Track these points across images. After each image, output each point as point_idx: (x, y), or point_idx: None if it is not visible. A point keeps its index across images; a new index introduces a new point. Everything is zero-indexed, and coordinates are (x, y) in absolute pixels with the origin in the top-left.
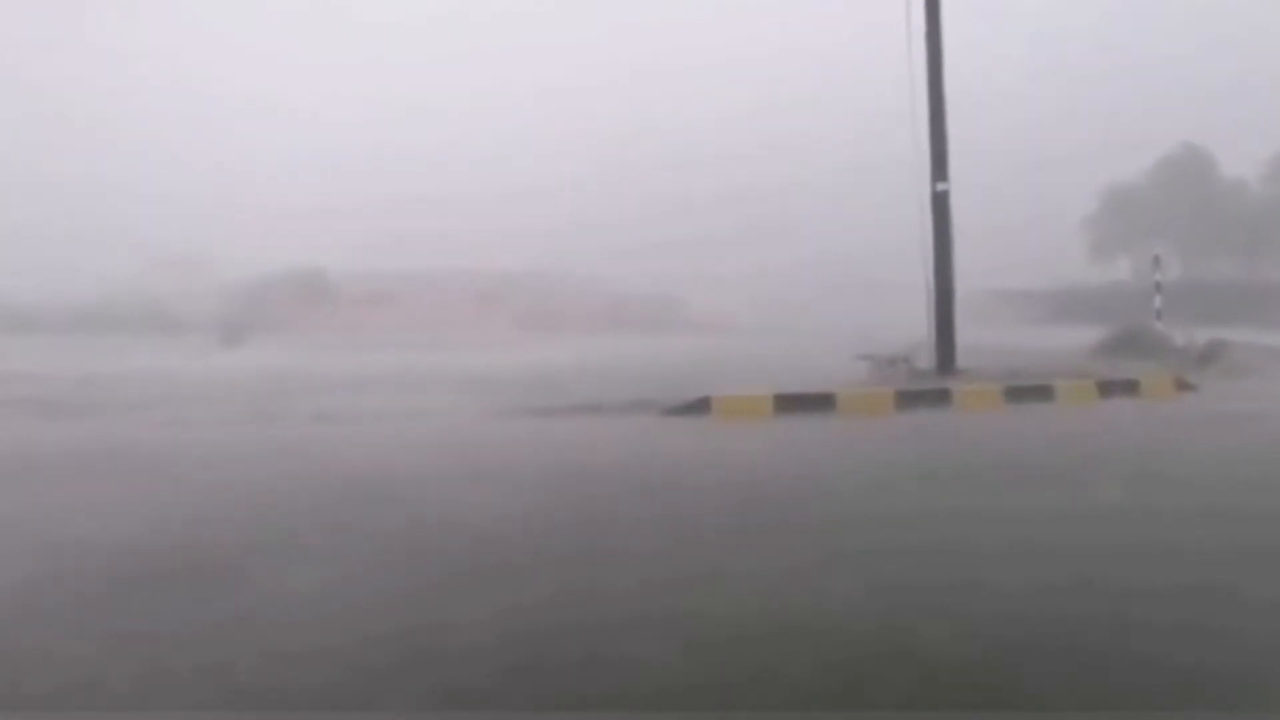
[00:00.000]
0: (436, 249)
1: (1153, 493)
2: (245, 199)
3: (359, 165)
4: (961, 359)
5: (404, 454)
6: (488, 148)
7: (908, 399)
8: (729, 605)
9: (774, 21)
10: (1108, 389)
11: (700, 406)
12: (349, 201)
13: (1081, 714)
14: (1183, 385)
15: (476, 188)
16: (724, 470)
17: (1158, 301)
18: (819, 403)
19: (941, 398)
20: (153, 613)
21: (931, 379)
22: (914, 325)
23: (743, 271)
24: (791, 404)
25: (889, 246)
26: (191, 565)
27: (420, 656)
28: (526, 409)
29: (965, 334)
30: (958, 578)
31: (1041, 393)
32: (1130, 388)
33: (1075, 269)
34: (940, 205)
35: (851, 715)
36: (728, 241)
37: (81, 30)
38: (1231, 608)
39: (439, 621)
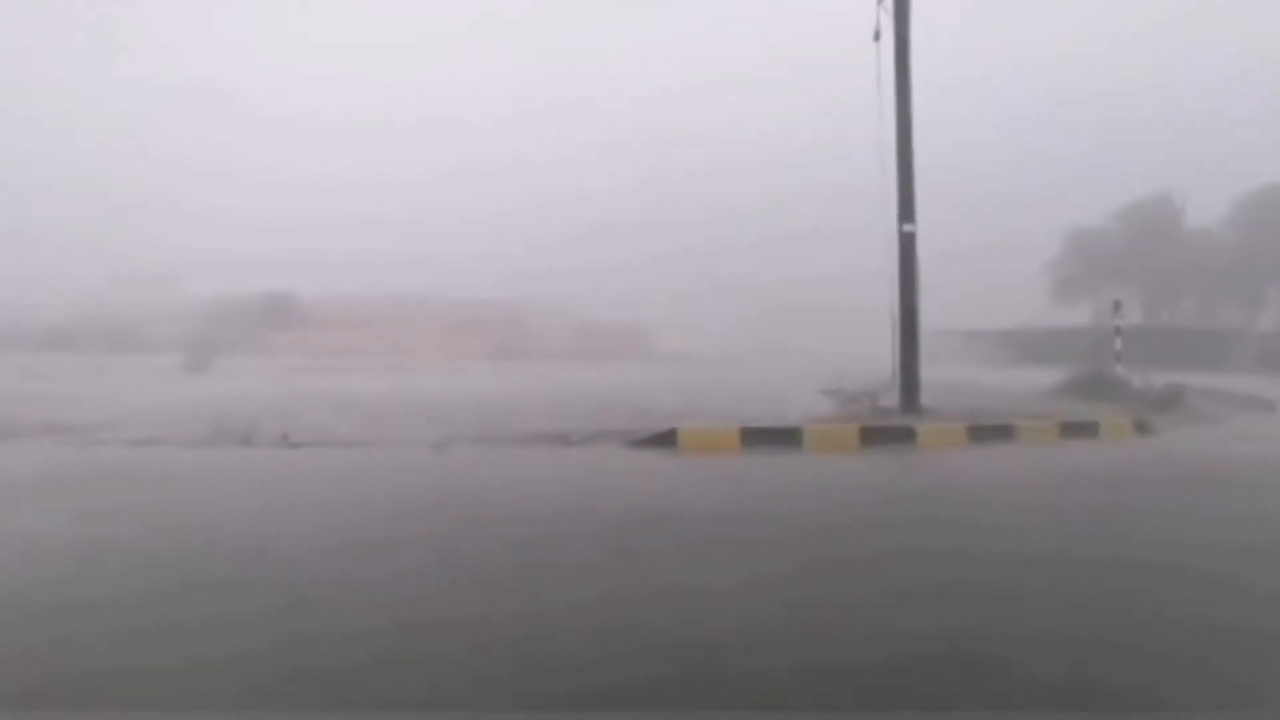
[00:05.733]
0: (407, 272)
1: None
2: (219, 218)
3: (332, 185)
4: (925, 397)
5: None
6: (462, 171)
7: (873, 435)
8: None
9: (746, 45)
10: (1068, 430)
11: (667, 439)
12: (320, 223)
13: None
14: (1141, 428)
15: (452, 211)
16: (683, 510)
17: (1118, 345)
18: (785, 437)
19: (906, 435)
20: None
21: (896, 416)
22: (881, 361)
23: (712, 303)
24: (758, 438)
25: (860, 282)
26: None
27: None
28: (488, 437)
29: (928, 371)
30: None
31: (1003, 432)
32: (1090, 429)
33: (1039, 311)
34: (907, 246)
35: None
36: (697, 270)
37: (55, 31)
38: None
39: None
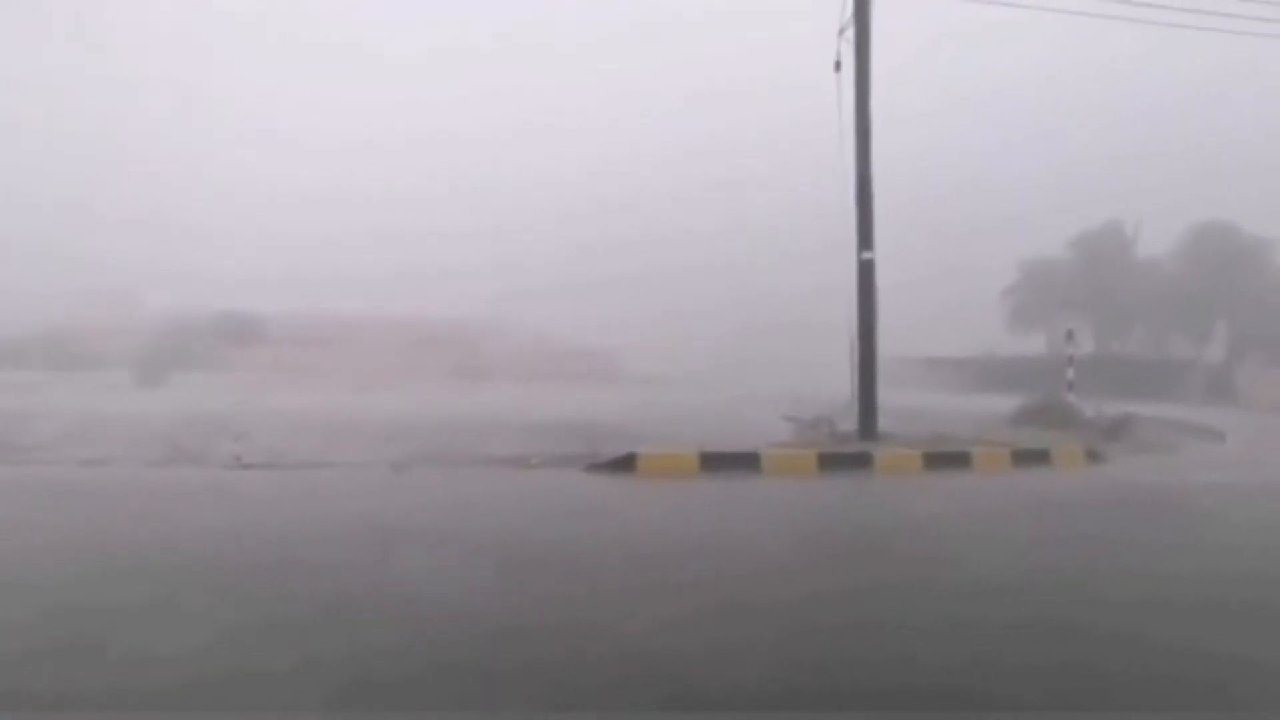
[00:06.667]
0: (370, 291)
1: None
2: (181, 231)
3: (294, 204)
4: (883, 422)
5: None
6: (426, 189)
7: (830, 461)
8: None
9: (711, 75)
10: (1021, 458)
11: (626, 463)
12: (281, 240)
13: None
14: (1093, 456)
15: (415, 230)
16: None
17: (1070, 374)
18: (744, 462)
19: (863, 461)
20: None
21: (854, 442)
22: (841, 385)
23: (676, 324)
24: (717, 462)
25: (827, 307)
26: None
27: None
28: (447, 459)
29: (886, 397)
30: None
31: (958, 459)
32: (1042, 457)
33: (993, 339)
34: (865, 273)
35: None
36: (662, 290)
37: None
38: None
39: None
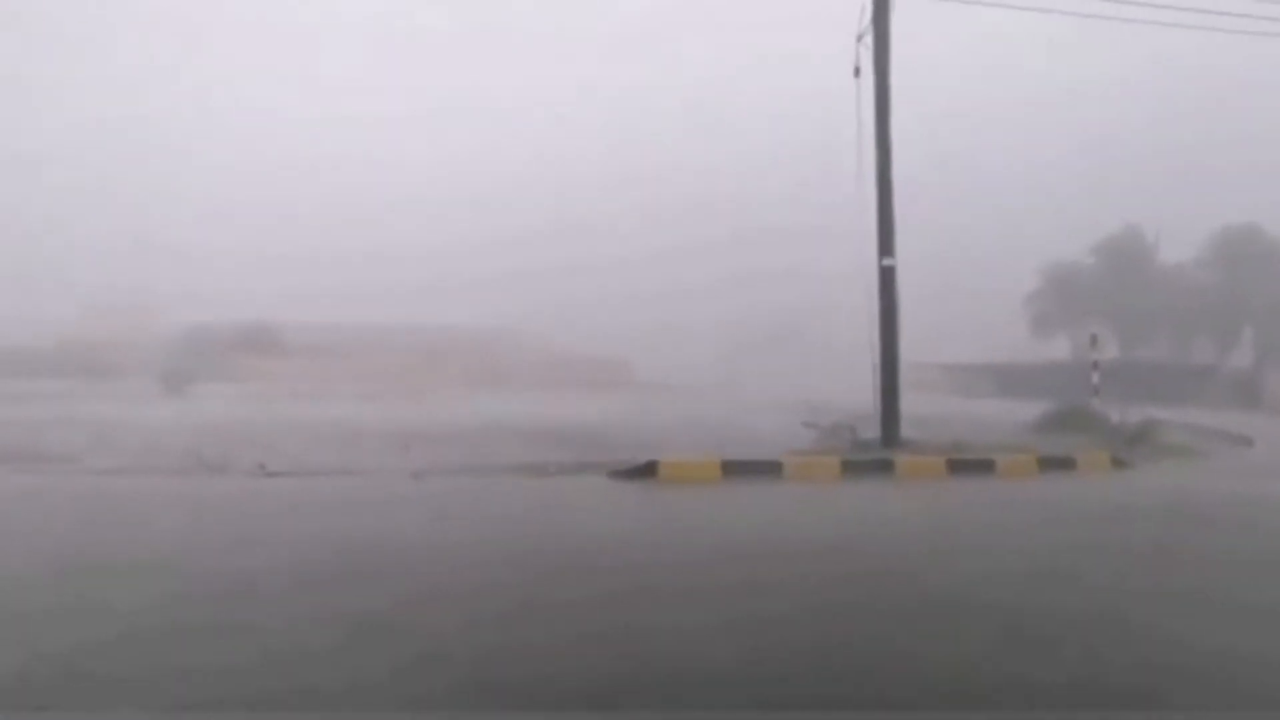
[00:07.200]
0: (385, 302)
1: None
2: (191, 245)
3: (309, 216)
4: (905, 429)
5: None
6: (438, 202)
7: (853, 468)
8: None
9: (727, 83)
10: (1046, 464)
11: (648, 470)
12: (298, 252)
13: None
14: (1118, 462)
15: (429, 241)
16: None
17: (1095, 379)
18: (766, 469)
19: (886, 468)
20: None
21: (876, 449)
22: (862, 393)
23: (694, 332)
24: (739, 470)
25: (840, 316)
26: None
27: None
28: (467, 468)
29: (907, 403)
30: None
31: (982, 466)
32: (1067, 464)
33: (1017, 345)
34: (887, 280)
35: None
36: (679, 299)
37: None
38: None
39: None
